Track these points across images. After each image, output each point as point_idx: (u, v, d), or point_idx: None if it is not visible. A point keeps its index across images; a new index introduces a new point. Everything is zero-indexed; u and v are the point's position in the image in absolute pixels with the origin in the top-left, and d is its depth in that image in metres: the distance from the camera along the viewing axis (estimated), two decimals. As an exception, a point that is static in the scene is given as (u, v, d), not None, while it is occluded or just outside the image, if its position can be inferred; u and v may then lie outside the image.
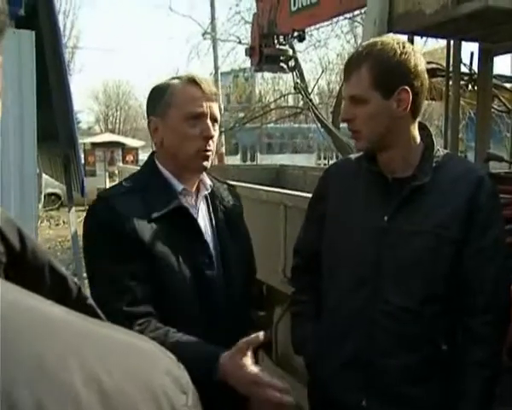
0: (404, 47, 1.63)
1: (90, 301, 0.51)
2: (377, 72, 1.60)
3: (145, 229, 1.65)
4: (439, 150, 1.73)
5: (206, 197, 1.86)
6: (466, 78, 4.22)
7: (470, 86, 4.46)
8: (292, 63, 6.62)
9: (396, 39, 1.69)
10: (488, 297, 1.61)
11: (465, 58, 4.14)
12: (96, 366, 0.40)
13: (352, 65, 1.65)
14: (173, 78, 1.82)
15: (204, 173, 1.86)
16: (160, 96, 1.77)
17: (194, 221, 1.76)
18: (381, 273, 1.65)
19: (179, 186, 1.78)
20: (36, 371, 0.37)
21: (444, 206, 1.62)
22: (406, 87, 1.61)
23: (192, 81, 1.74)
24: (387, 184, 1.70)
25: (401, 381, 1.64)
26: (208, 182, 1.85)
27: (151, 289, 1.61)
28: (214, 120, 1.77)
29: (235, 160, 21.45)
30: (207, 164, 1.78)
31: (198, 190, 1.85)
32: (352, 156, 1.92)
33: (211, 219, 1.86)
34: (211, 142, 1.76)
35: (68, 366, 0.38)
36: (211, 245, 1.81)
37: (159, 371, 0.45)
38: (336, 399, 1.75)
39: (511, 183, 2.64)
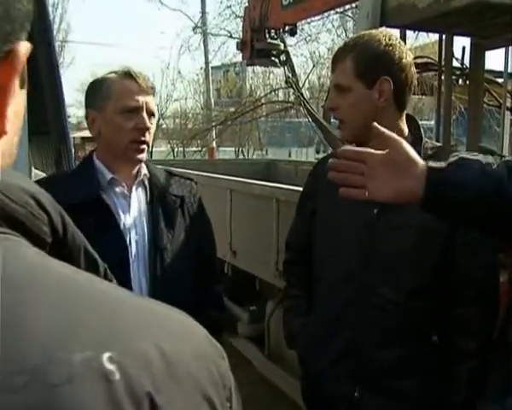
0: (389, 39, 1.66)
1: (114, 281, 0.56)
2: (361, 62, 1.63)
3: None
4: (428, 142, 1.74)
5: (145, 187, 1.92)
6: (458, 72, 4.23)
7: (461, 81, 4.47)
8: (283, 57, 6.60)
9: (383, 32, 1.72)
10: (477, 289, 1.62)
11: (457, 53, 4.15)
12: (156, 333, 0.45)
13: (339, 55, 1.69)
14: (111, 72, 1.87)
15: (142, 164, 1.92)
16: (97, 90, 1.84)
17: (109, 212, 1.80)
18: (371, 267, 1.66)
19: (108, 175, 1.85)
20: (111, 337, 0.43)
21: None
22: (387, 78, 1.63)
23: (128, 75, 1.81)
24: None
25: (393, 373, 1.65)
26: (143, 172, 1.91)
27: None
28: (150, 113, 1.84)
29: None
30: (142, 156, 1.85)
31: (136, 179, 1.91)
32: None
33: (148, 209, 1.90)
34: (146, 133, 1.83)
35: (136, 335, 0.44)
36: (141, 234, 1.86)
37: (201, 336, 0.49)
38: (329, 391, 1.75)
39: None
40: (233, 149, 22.94)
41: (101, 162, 1.87)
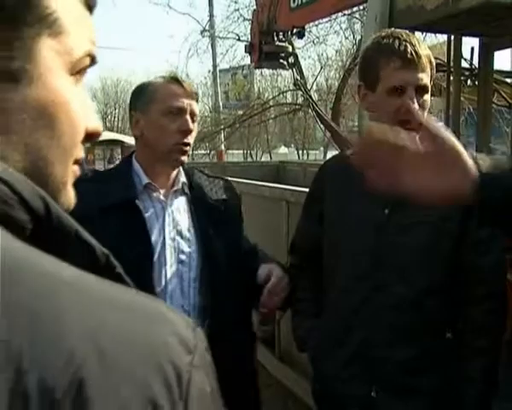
0: None
1: (119, 269, 0.52)
2: (431, 64, 1.66)
3: (88, 219, 1.63)
4: None
5: (185, 194, 1.89)
6: (466, 73, 4.23)
7: (470, 81, 4.47)
8: (291, 60, 6.64)
9: None
10: (488, 286, 1.64)
11: (466, 53, 4.15)
12: (95, 324, 0.42)
13: (421, 54, 1.63)
14: (157, 77, 1.90)
15: (181, 170, 1.91)
16: (142, 92, 1.86)
17: (140, 217, 1.76)
18: (383, 267, 1.66)
19: (144, 180, 1.83)
20: (31, 323, 0.39)
21: None
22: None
23: (174, 79, 1.84)
24: None
25: (408, 371, 1.65)
26: (181, 179, 1.89)
27: None
28: (193, 117, 1.84)
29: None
30: (184, 158, 1.84)
31: (173, 186, 1.88)
32: (347, 152, 1.93)
33: (193, 217, 1.87)
34: (189, 136, 1.83)
35: (65, 322, 0.40)
36: (191, 244, 1.83)
37: (164, 332, 0.46)
38: (343, 392, 1.75)
39: None
40: (241, 151, 22.98)
41: (139, 165, 1.86)
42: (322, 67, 16.67)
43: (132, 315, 0.46)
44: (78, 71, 0.57)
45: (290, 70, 7.02)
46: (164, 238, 1.80)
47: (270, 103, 14.64)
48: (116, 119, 36.32)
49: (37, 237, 0.47)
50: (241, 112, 15.39)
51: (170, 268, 1.79)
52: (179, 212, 1.86)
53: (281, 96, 15.76)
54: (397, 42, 1.64)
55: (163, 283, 1.77)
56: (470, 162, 1.07)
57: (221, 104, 18.02)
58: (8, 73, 0.51)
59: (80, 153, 0.59)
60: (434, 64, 1.68)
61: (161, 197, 1.84)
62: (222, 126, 15.26)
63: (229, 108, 18.28)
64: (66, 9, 0.55)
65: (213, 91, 18.63)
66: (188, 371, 0.45)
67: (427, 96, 1.64)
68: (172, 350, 0.45)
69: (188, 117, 1.82)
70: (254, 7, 7.40)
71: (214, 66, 17.57)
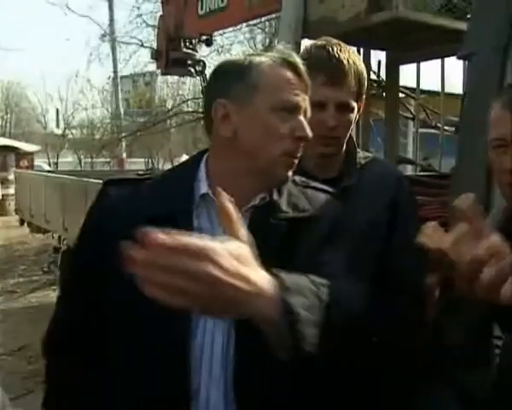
0: None
1: None
2: (361, 81, 1.65)
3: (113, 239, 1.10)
4: (360, 153, 1.78)
5: (263, 212, 1.31)
6: (374, 85, 4.38)
7: (375, 92, 4.63)
8: (199, 67, 6.61)
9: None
10: (413, 291, 1.65)
11: (373, 66, 4.30)
12: None
13: (344, 71, 1.62)
14: (254, 54, 1.38)
15: None
16: (239, 75, 1.33)
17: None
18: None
19: (203, 188, 1.31)
20: None
21: (369, 206, 1.66)
22: (364, 95, 1.70)
23: (288, 63, 1.32)
24: None
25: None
26: (261, 194, 1.33)
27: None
28: (306, 117, 1.35)
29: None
30: (290, 175, 1.35)
31: (249, 202, 1.32)
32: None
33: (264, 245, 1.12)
34: (301, 146, 1.34)
35: None
36: None
37: None
38: None
39: (423, 185, 2.77)
40: (143, 159, 22.64)
41: (205, 170, 1.34)
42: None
43: None
44: None
45: (197, 77, 7.00)
46: None
47: (174, 111, 14.55)
48: (9, 124, 34.63)
49: None
50: (142, 119, 15.16)
51: (214, 321, 1.24)
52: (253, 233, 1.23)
53: (183, 104, 15.67)
54: (325, 55, 1.63)
55: (198, 339, 1.23)
56: None
57: (122, 111, 17.69)
58: None
59: None
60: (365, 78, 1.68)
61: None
62: (123, 134, 14.95)
63: (130, 116, 17.98)
64: None
65: (114, 97, 18.25)
66: None
67: (350, 114, 1.63)
68: None
69: (303, 118, 1.31)
70: (158, 13, 7.31)
71: (115, 72, 17.21)
